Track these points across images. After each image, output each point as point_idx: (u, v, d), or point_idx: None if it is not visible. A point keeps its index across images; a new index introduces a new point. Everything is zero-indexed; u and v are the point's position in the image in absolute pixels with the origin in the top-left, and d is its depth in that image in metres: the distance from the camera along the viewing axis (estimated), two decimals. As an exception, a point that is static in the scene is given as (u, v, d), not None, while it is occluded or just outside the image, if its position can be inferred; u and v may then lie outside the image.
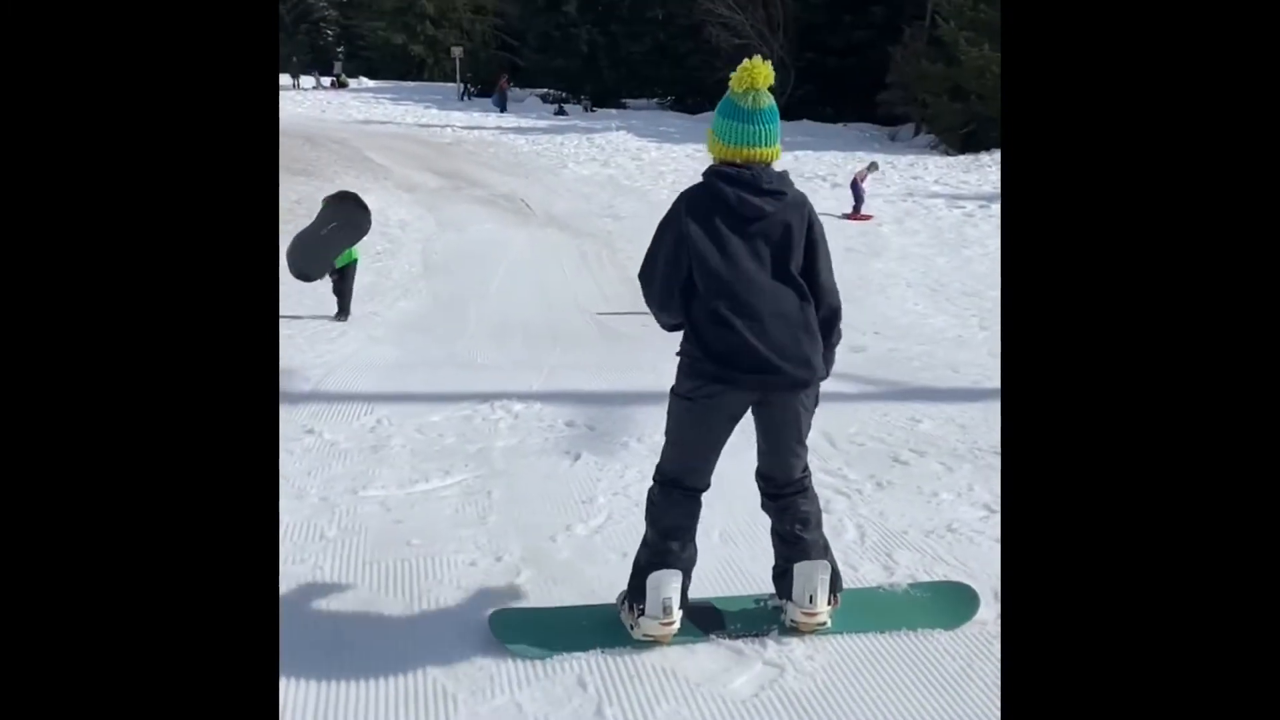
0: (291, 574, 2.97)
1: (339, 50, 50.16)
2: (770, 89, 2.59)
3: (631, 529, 3.32)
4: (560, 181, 16.21)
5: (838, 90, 25.86)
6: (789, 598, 2.64)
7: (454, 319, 7.70)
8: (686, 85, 31.55)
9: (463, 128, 24.40)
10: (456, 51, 35.42)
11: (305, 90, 36.19)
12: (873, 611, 2.76)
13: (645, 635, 2.55)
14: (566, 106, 30.77)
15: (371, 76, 42.34)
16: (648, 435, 4.36)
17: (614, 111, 30.06)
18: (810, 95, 26.30)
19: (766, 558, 2.79)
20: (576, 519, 3.43)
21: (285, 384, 5.27)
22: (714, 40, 26.34)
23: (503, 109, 30.29)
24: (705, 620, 2.69)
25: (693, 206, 2.54)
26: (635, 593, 2.57)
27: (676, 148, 20.24)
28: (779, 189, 2.57)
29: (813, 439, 4.29)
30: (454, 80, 36.01)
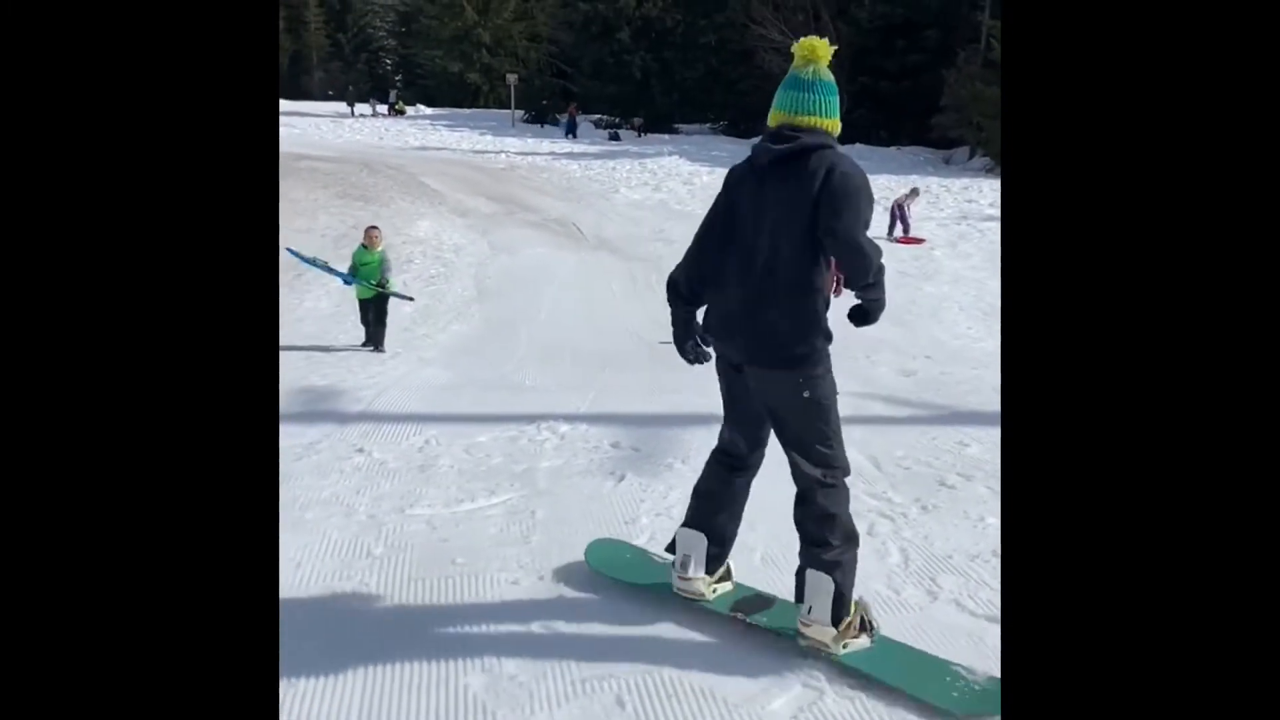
0: (338, 590, 3.03)
1: (397, 79, 51.23)
2: (830, 66, 2.60)
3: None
4: (612, 206, 16.34)
5: (892, 114, 25.77)
6: (799, 600, 2.63)
7: (504, 342, 7.79)
8: (739, 110, 31.67)
9: (516, 153, 24.75)
10: (511, 79, 36.01)
11: (364, 117, 37.03)
12: (905, 671, 2.53)
13: (676, 590, 2.75)
14: (620, 132, 31.14)
15: (428, 104, 43.19)
16: (692, 457, 4.37)
17: (666, 136, 30.28)
18: (864, 119, 26.23)
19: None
20: (619, 539, 3.45)
21: (337, 404, 5.39)
22: (766, 65, 26.41)
23: (573, 134, 30.93)
24: (746, 605, 2.75)
25: (731, 174, 2.63)
26: (670, 546, 2.67)
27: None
28: (790, 152, 2.45)
29: (858, 461, 4.32)
30: (508, 107, 36.61)
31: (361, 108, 39.88)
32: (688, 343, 2.71)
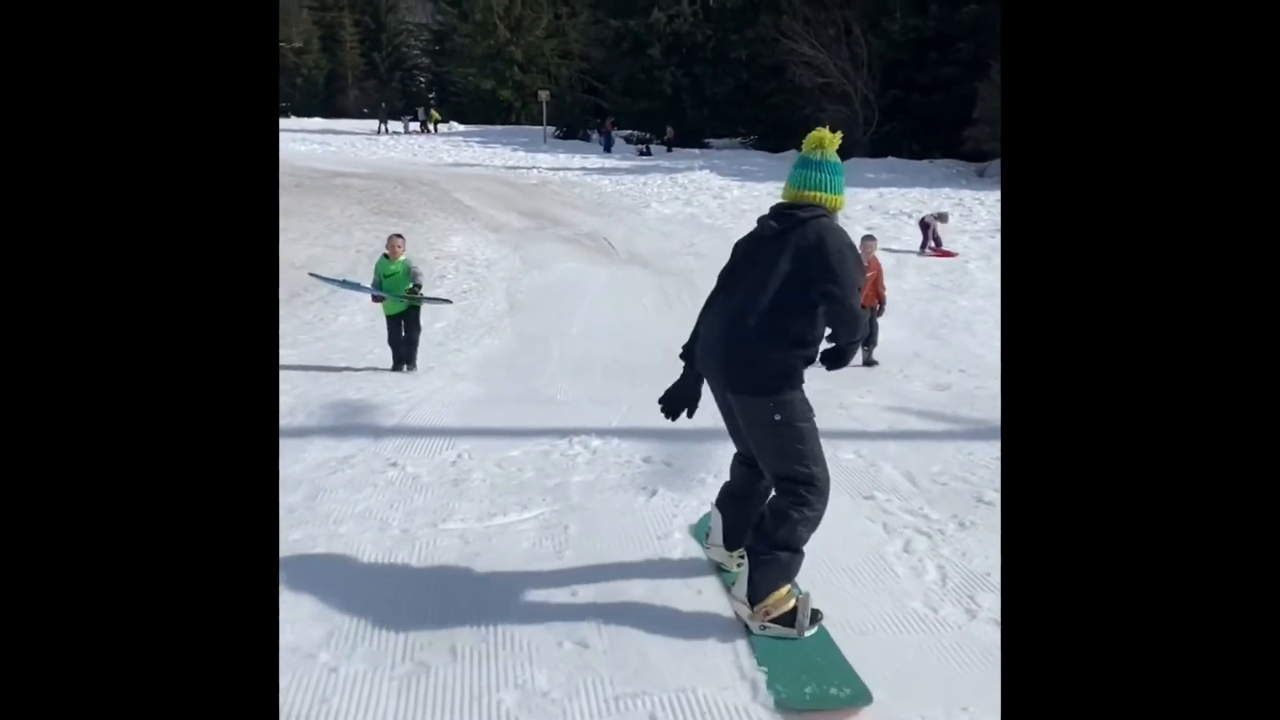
0: (371, 605, 3.03)
1: (430, 96, 51.76)
2: (837, 150, 2.90)
3: (707, 566, 3.30)
4: (643, 220, 16.37)
5: (923, 126, 25.60)
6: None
7: (536, 356, 7.81)
8: (769, 124, 31.62)
9: (548, 169, 24.89)
10: (543, 95, 36.29)
11: (396, 135, 37.40)
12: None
13: (707, 555, 3.31)
14: (650, 146, 31.27)
15: (461, 121, 43.60)
16: (724, 472, 4.34)
17: (696, 151, 30.32)
18: (895, 132, 26.11)
19: (845, 599, 2.74)
20: (652, 554, 3.43)
21: (371, 419, 5.42)
22: (797, 79, 26.38)
23: (608, 149, 31.17)
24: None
25: (736, 246, 3.05)
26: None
27: (759, 186, 20.27)
28: (792, 220, 2.77)
29: (893, 478, 4.27)
30: (540, 123, 36.89)
31: (394, 125, 40.31)
32: (668, 399, 3.11)
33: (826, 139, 2.85)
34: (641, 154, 30.19)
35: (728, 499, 3.15)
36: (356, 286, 7.96)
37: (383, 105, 43.61)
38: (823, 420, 5.33)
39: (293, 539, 3.55)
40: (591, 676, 2.60)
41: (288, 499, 3.98)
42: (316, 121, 44.21)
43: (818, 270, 2.65)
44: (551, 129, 37.21)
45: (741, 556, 2.98)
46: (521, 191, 20.27)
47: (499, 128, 41.80)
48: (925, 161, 24.05)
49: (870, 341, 7.24)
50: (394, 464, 4.49)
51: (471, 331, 8.84)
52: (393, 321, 7.26)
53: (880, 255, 7.89)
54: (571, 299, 10.29)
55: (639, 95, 33.68)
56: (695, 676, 2.57)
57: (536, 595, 3.10)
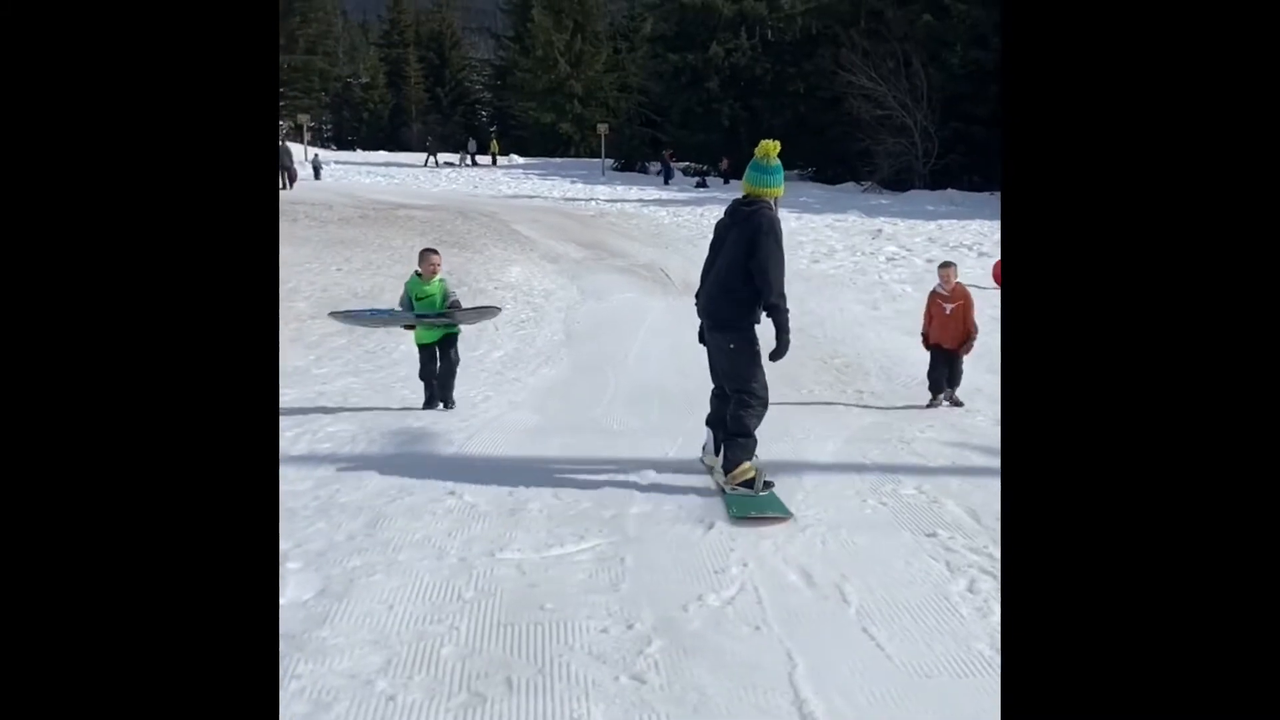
0: (429, 633, 3.03)
1: (491, 129, 52.66)
2: (779, 155, 4.13)
3: (764, 601, 3.24)
4: (699, 252, 16.31)
5: (984, 159, 25.31)
6: (716, 454, 4.37)
7: (593, 385, 7.82)
8: (827, 156, 31.52)
9: (606, 200, 25.10)
10: (602, 129, 36.70)
11: (449, 167, 37.98)
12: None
13: (702, 463, 4.58)
14: (706, 179, 31.40)
15: (521, 154, 44.30)
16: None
17: (753, 183, 30.35)
18: (955, 165, 25.84)
19: (906, 639, 2.67)
20: (709, 589, 3.38)
21: (430, 447, 5.46)
22: (855, 112, 26.29)
23: (668, 180, 31.41)
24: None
25: (719, 223, 4.32)
26: (744, 445, 4.23)
27: (816, 218, 20.20)
28: (743, 210, 4.14)
29: (957, 515, 4.18)
30: (599, 156, 37.28)
31: (445, 157, 40.89)
32: (700, 335, 4.49)
33: (771, 149, 4.08)
34: (698, 185, 30.32)
35: (714, 421, 4.44)
36: (387, 314, 6.78)
37: (429, 139, 44.38)
38: (883, 454, 5.25)
39: (352, 565, 3.57)
40: (648, 713, 2.56)
41: (348, 526, 4.02)
42: (381, 155, 45.27)
43: (753, 245, 3.99)
44: (610, 161, 37.56)
45: (725, 467, 4.29)
46: (579, 223, 20.46)
47: (558, 160, 42.36)
48: (985, 194, 23.76)
49: (953, 380, 6.90)
50: (452, 492, 4.51)
51: (529, 361, 8.89)
52: (425, 352, 6.42)
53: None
54: (628, 329, 10.30)
55: (697, 128, 33.87)
56: (754, 716, 2.51)
57: (593, 628, 3.07)
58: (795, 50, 33.05)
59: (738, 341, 4.08)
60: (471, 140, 43.21)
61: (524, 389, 7.62)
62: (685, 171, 33.89)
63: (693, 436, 5.78)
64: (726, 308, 4.11)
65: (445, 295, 6.41)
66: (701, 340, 4.36)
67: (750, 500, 4.09)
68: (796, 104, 32.32)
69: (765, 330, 4.21)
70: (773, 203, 4.10)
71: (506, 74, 52.43)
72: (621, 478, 4.75)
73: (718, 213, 17.82)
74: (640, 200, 25.27)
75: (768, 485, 4.16)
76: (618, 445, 5.55)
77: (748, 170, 4.15)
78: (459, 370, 6.56)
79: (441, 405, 6.42)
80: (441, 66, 58.10)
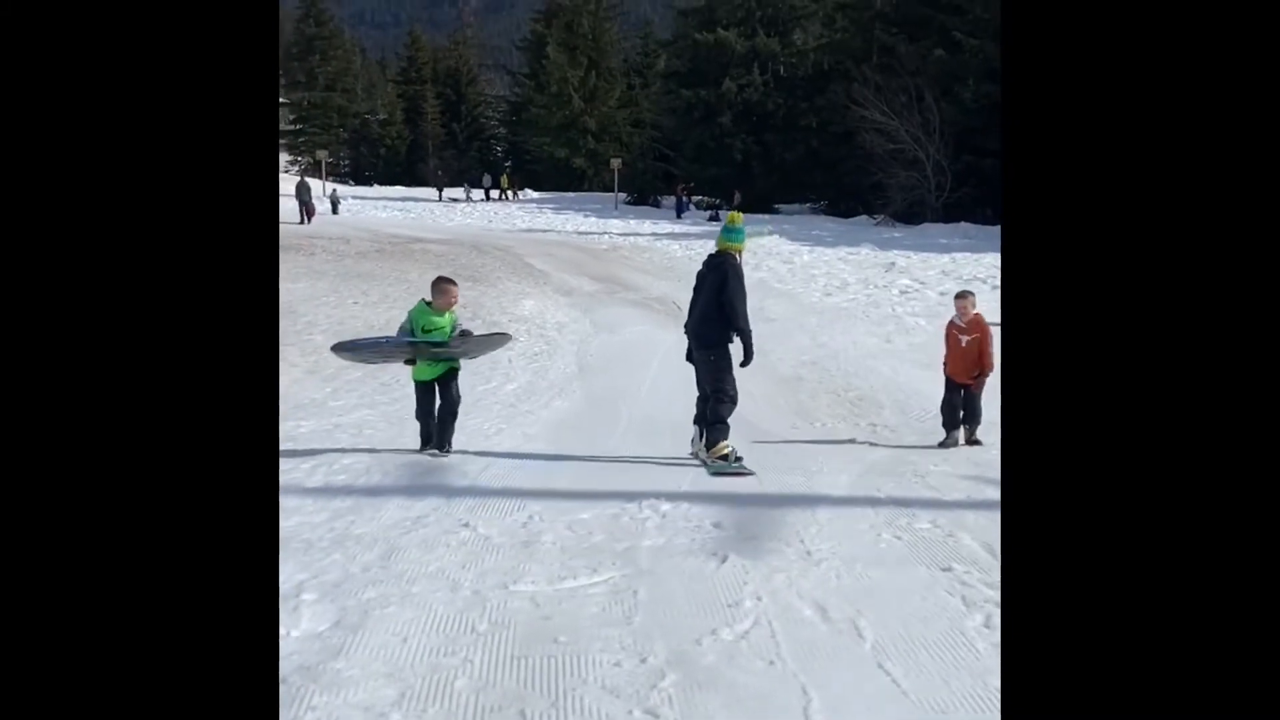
0: (443, 666, 3.03)
1: (506, 164, 53.10)
2: (738, 219, 5.81)
3: (779, 635, 3.23)
4: (713, 285, 16.45)
5: (997, 191, 25.34)
6: (700, 438, 5.74)
7: (606, 417, 7.83)
8: (839, 190, 31.68)
9: (619, 234, 25.24)
10: (615, 163, 37.01)
11: (457, 203, 38.26)
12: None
13: (691, 453, 5.81)
14: (719, 212, 31.57)
15: (536, 188, 44.68)
16: (797, 539, 4.27)
17: (766, 216, 30.47)
18: (968, 198, 25.89)
19: (923, 675, 2.64)
20: (722, 623, 3.37)
21: (444, 479, 5.46)
22: (868, 146, 26.43)
23: (681, 214, 31.61)
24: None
25: (700, 272, 5.80)
26: (720, 429, 5.68)
27: (829, 250, 20.24)
28: (716, 260, 5.62)
29: (973, 549, 4.15)
30: (612, 190, 37.57)
31: (453, 192, 41.09)
32: (688, 353, 5.96)
33: (736, 218, 5.82)
34: (711, 219, 30.48)
35: (698, 419, 5.84)
36: (390, 344, 6.12)
37: (439, 173, 44.72)
38: (898, 488, 5.23)
39: (367, 597, 3.57)
40: (661, 747, 2.54)
41: (363, 557, 4.02)
42: (398, 189, 45.72)
43: (723, 286, 5.49)
44: (623, 195, 37.84)
45: (707, 445, 5.69)
46: (592, 256, 20.57)
47: (572, 194, 42.68)
48: (999, 227, 23.76)
49: (970, 417, 6.72)
50: (466, 524, 4.52)
51: (542, 393, 8.91)
52: (424, 388, 5.92)
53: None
54: (641, 362, 10.32)
55: (709, 162, 34.11)
56: None
57: (606, 661, 3.06)
58: (807, 85, 33.34)
59: (716, 356, 5.61)
60: (486, 175, 43.46)
61: (537, 421, 7.64)
62: (698, 205, 34.07)
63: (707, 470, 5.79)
64: (707, 332, 5.62)
65: (454, 327, 5.95)
66: (688, 358, 5.91)
67: (724, 466, 5.55)
68: (809, 138, 32.55)
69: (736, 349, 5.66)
70: (737, 255, 5.64)
71: (521, 110, 53.06)
72: (635, 509, 4.75)
73: None
74: (653, 234, 25.40)
75: (738, 459, 5.59)
76: (631, 477, 5.55)
77: (720, 231, 5.80)
78: (459, 411, 6.13)
79: (442, 450, 5.93)
80: (458, 103, 58.81)
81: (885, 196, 27.10)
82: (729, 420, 5.64)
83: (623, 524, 4.55)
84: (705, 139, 34.26)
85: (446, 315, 5.90)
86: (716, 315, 5.52)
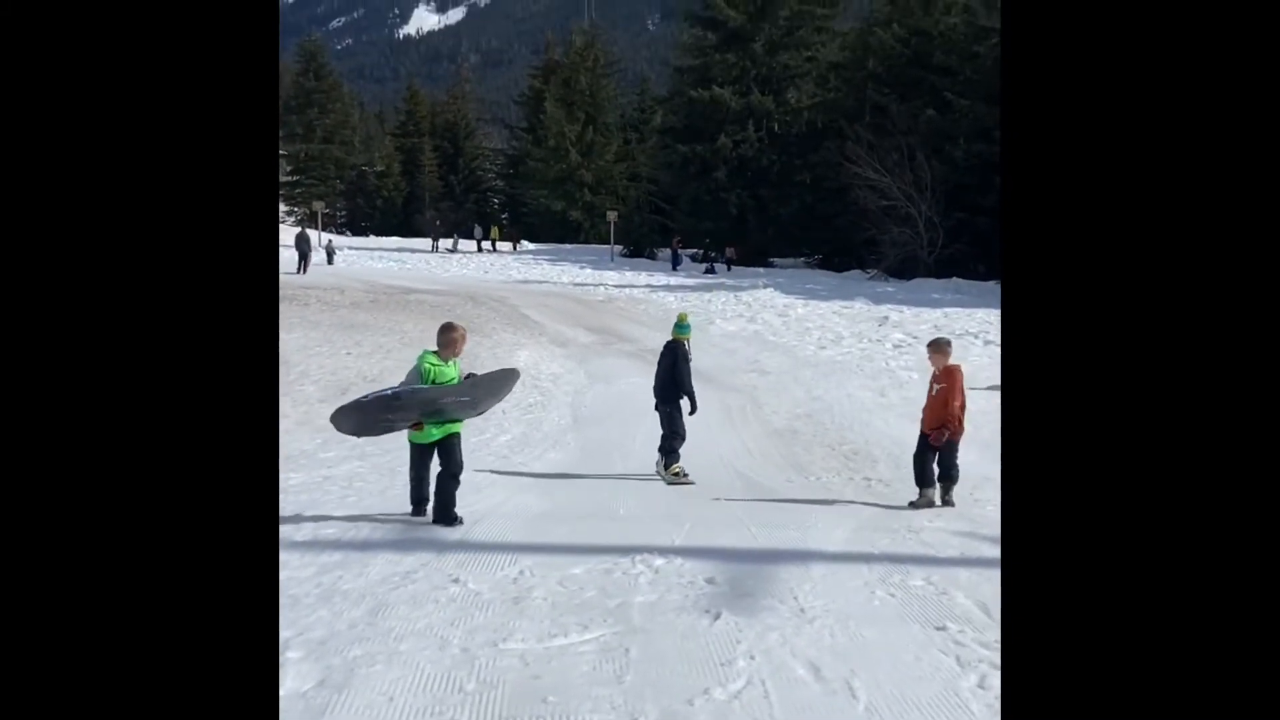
0: (428, 725, 2.96)
1: (503, 216, 53.48)
2: (685, 318, 8.22)
3: (772, 696, 3.17)
4: (706, 337, 16.48)
5: (988, 248, 25.63)
6: (659, 462, 7.68)
7: (600, 470, 7.80)
8: (834, 244, 31.97)
9: (615, 286, 25.37)
10: (611, 216, 37.37)
11: (463, 254, 38.45)
12: None
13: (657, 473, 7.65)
14: (715, 265, 31.83)
15: (532, 240, 44.99)
16: (790, 596, 4.22)
17: (761, 270, 30.69)
18: (960, 254, 26.14)
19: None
20: (715, 682, 3.31)
21: (434, 533, 5.40)
22: (861, 202, 26.75)
23: (676, 266, 31.80)
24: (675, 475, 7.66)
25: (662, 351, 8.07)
26: (673, 455, 7.61)
27: (823, 304, 20.36)
28: (670, 345, 7.85)
29: (966, 608, 4.11)
30: (608, 242, 37.91)
31: (445, 243, 41.34)
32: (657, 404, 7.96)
33: (685, 317, 8.16)
34: (707, 271, 30.72)
35: (661, 449, 7.66)
36: (402, 395, 5.45)
37: (436, 223, 44.98)
38: (892, 544, 5.19)
39: (353, 655, 3.51)
40: (651, 813, 2.48)
41: (350, 614, 3.96)
42: (394, 240, 46.03)
43: (674, 364, 7.68)
44: (619, 247, 38.13)
45: (665, 467, 7.59)
46: (588, 308, 20.65)
47: (568, 246, 43.00)
48: (991, 283, 23.97)
49: (944, 474, 6.48)
50: (456, 580, 4.46)
51: (536, 445, 8.88)
52: (421, 451, 5.48)
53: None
54: (635, 414, 10.29)
55: (704, 216, 34.47)
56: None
57: (596, 722, 3.00)
58: (801, 142, 33.83)
59: (670, 409, 7.71)
60: (477, 227, 43.55)
61: (530, 473, 7.60)
62: (693, 258, 34.33)
63: (700, 524, 5.75)
64: (665, 394, 7.76)
65: (460, 376, 5.60)
66: (655, 409, 7.86)
67: (676, 479, 7.47)
68: (803, 194, 32.94)
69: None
70: (685, 342, 7.86)
71: (519, 163, 53.72)
72: (628, 564, 4.70)
73: (725, 298, 18.29)
74: (649, 285, 25.54)
75: (685, 474, 7.52)
76: (624, 531, 5.50)
77: (674, 326, 8.09)
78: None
79: (442, 518, 5.45)
80: (455, 155, 59.52)
81: (879, 251, 27.37)
82: (679, 450, 7.75)
83: (615, 579, 4.50)
84: (701, 193, 34.65)
85: (452, 364, 5.55)
86: (670, 383, 7.77)
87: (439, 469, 5.52)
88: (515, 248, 42.05)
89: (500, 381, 5.98)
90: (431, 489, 5.58)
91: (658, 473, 7.68)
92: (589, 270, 30.77)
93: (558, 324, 17.63)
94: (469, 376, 5.64)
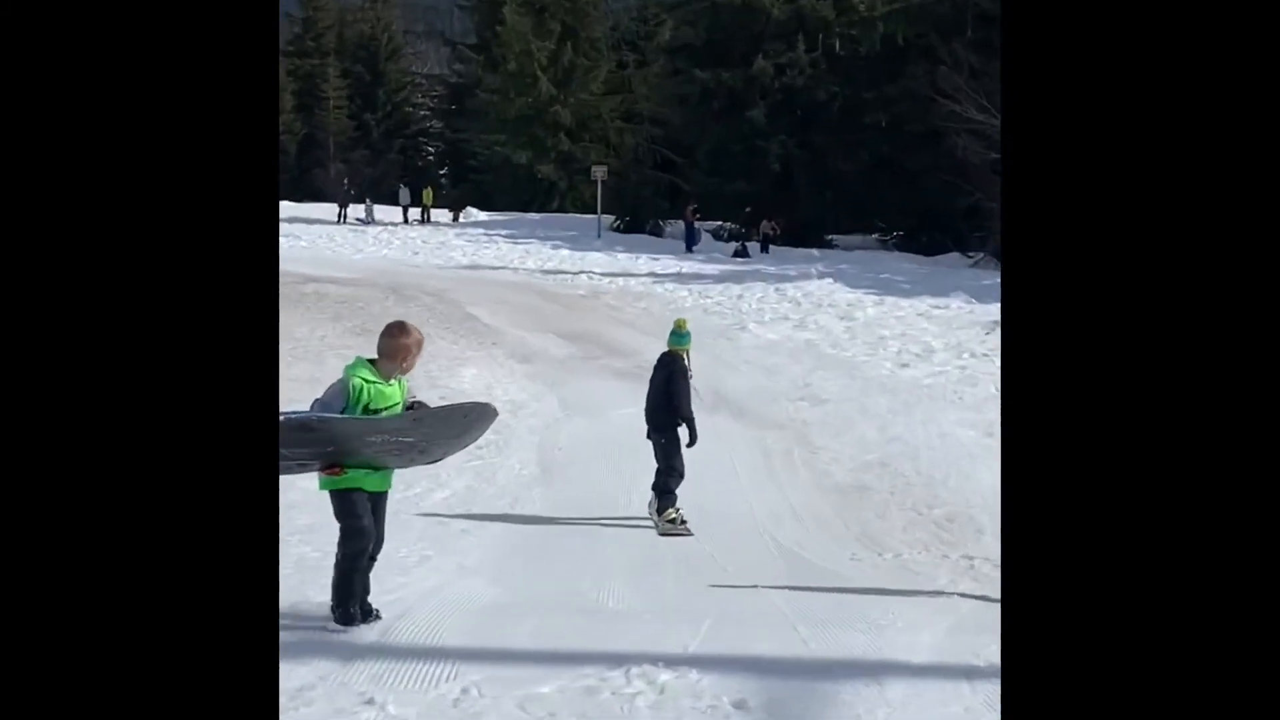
0: None
1: (441, 172, 53.60)
2: (684, 325, 9.10)
3: None
4: (736, 349, 16.52)
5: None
6: (652, 504, 8.47)
7: (579, 541, 7.81)
8: (920, 216, 32.08)
9: (603, 274, 25.46)
10: (598, 172, 37.12)
11: (360, 224, 38.75)
12: None
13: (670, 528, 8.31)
14: (747, 245, 31.63)
15: (483, 207, 44.91)
16: (856, 728, 4.22)
17: (815, 252, 30.75)
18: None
19: None
20: None
21: (342, 634, 5.39)
22: (960, 153, 26.81)
23: (691, 246, 31.68)
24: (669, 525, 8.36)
25: (654, 368, 9.07)
26: (668, 497, 8.34)
27: (905, 302, 20.43)
28: (665, 359, 8.74)
29: None
30: (594, 211, 37.67)
31: (355, 211, 41.62)
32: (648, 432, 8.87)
33: (683, 324, 9.04)
34: (737, 254, 30.70)
35: (654, 487, 8.37)
36: (318, 424, 5.21)
37: (344, 182, 45.34)
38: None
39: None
40: None
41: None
42: (284, 207, 46.18)
43: (670, 383, 8.53)
44: (609, 219, 38.18)
45: (658, 511, 8.31)
46: (564, 305, 20.72)
47: (536, 216, 43.12)
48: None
49: None
50: (369, 701, 4.46)
51: (486, 503, 8.89)
52: (358, 506, 5.42)
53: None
54: (629, 459, 10.28)
55: (733, 174, 34.50)
56: None
57: None
58: (874, 68, 33.89)
59: (666, 439, 8.46)
60: (404, 189, 43.59)
61: (478, 545, 7.60)
62: (717, 234, 34.40)
63: (724, 621, 5.75)
64: (659, 420, 8.54)
65: (406, 401, 5.51)
66: (648, 436, 8.65)
67: (671, 528, 8.18)
68: (877, 142, 33.05)
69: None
70: (684, 355, 8.68)
71: (465, 96, 53.89)
72: (619, 679, 4.71)
73: (763, 292, 18.51)
74: (652, 274, 25.63)
75: (683, 522, 8.23)
76: (615, 632, 5.51)
77: (669, 336, 8.87)
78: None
79: (338, 613, 5.43)
80: (373, 85, 59.81)
81: (985, 226, 27.42)
82: (675, 490, 8.48)
83: (602, 701, 4.50)
84: (728, 140, 34.77)
85: (397, 384, 5.39)
86: (665, 406, 8.52)
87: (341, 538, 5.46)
88: (457, 218, 42.29)
89: (461, 420, 5.72)
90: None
91: (650, 516, 8.53)
92: (566, 251, 30.89)
93: (519, 329, 17.69)
94: (414, 406, 5.50)
